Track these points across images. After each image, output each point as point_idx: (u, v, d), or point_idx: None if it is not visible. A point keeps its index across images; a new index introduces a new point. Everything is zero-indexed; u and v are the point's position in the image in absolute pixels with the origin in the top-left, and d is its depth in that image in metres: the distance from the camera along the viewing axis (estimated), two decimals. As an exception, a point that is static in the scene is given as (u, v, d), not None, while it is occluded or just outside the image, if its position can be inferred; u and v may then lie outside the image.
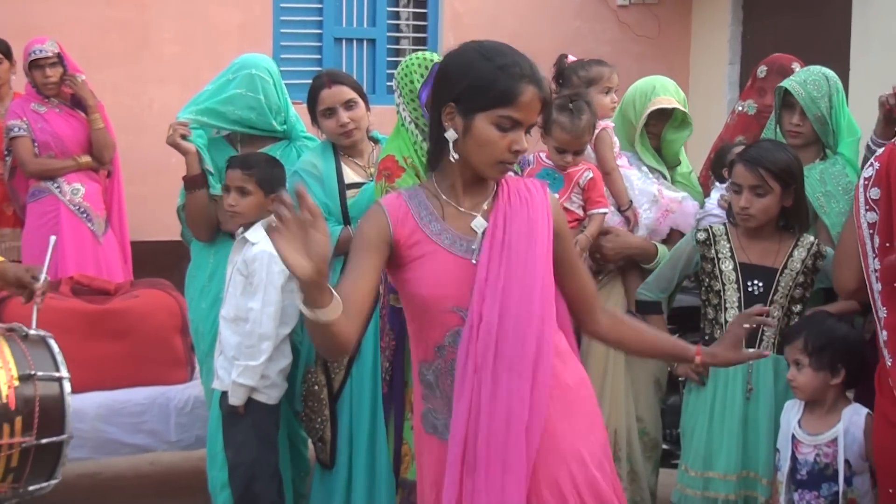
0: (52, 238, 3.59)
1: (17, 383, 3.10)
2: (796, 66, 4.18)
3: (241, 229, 3.89)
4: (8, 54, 6.00)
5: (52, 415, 3.18)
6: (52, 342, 3.32)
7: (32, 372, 3.16)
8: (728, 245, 3.57)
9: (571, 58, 4.29)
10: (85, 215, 5.90)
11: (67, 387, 3.23)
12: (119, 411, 4.38)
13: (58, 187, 5.82)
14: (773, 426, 3.46)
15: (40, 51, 5.69)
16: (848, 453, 3.26)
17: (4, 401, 3.09)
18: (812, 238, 3.56)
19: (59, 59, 5.75)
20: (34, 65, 5.72)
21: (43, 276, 3.37)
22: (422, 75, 3.70)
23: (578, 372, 2.57)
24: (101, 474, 4.94)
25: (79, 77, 5.75)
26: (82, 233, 5.89)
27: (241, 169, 3.83)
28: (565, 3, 8.23)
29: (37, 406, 3.13)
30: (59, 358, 3.27)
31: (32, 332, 3.30)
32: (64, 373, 3.23)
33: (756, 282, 3.51)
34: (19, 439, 3.11)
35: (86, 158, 5.84)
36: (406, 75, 3.72)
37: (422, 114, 3.69)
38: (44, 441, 3.16)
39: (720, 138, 4.45)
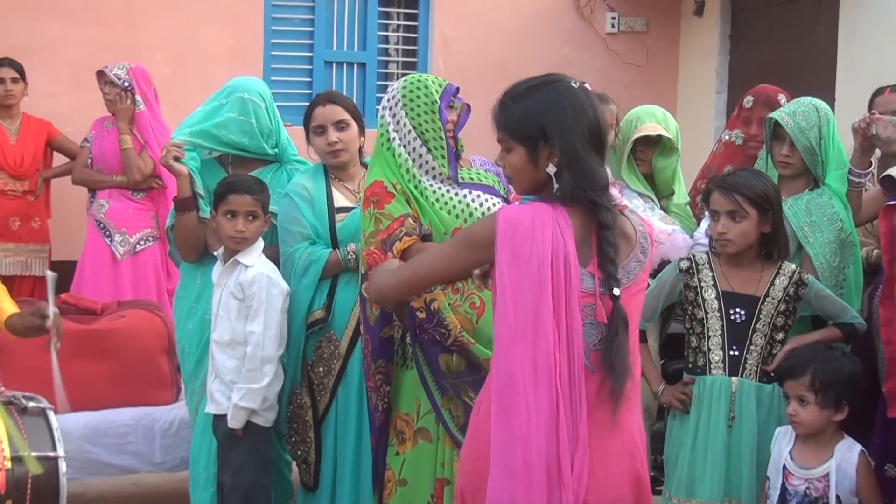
0: (49, 273, 3.54)
1: (8, 465, 2.96)
2: (782, 97, 4.23)
3: (220, 250, 3.89)
4: (23, 75, 6.23)
5: (45, 495, 3.03)
6: (52, 415, 3.18)
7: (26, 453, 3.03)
8: (710, 274, 3.58)
9: (588, 86, 4.26)
10: (105, 232, 6.00)
11: (63, 467, 3.09)
12: (104, 432, 4.37)
13: (91, 201, 6.08)
14: (755, 453, 3.47)
15: (107, 68, 5.97)
16: (839, 489, 3.26)
17: None
18: (794, 266, 3.58)
19: (120, 83, 5.90)
20: (100, 79, 6.01)
21: (51, 312, 3.20)
22: (438, 88, 3.51)
23: None
24: (84, 495, 4.91)
25: (135, 102, 5.94)
26: (101, 250, 6.00)
27: (250, 195, 3.81)
28: (554, 31, 8.27)
29: (28, 489, 3.00)
30: (57, 435, 3.13)
31: (32, 404, 3.16)
32: (60, 452, 3.09)
33: (738, 310, 3.52)
34: None
35: (120, 177, 6.01)
36: (419, 88, 3.50)
37: (438, 125, 3.49)
38: None
39: (706, 167, 4.48)
